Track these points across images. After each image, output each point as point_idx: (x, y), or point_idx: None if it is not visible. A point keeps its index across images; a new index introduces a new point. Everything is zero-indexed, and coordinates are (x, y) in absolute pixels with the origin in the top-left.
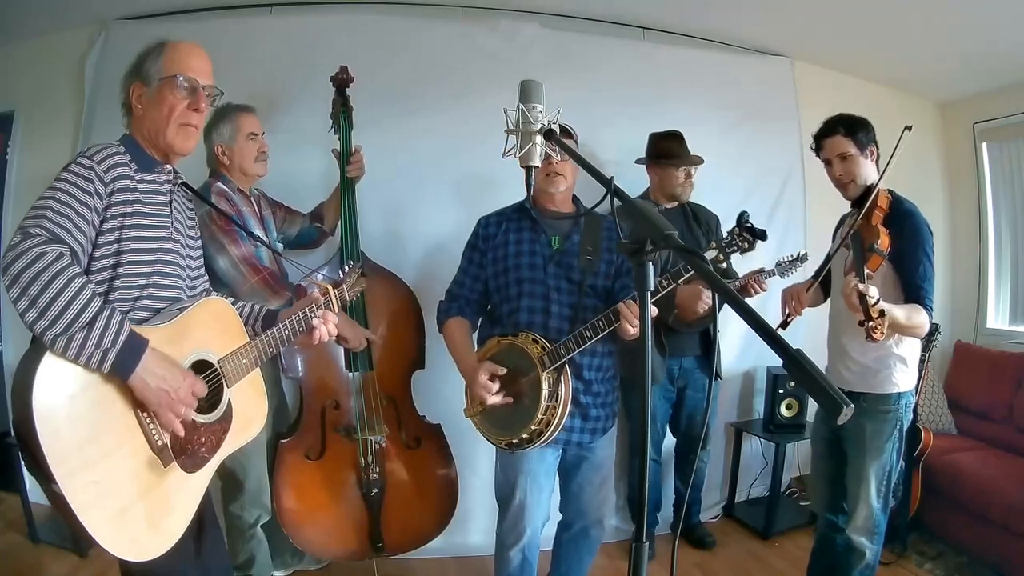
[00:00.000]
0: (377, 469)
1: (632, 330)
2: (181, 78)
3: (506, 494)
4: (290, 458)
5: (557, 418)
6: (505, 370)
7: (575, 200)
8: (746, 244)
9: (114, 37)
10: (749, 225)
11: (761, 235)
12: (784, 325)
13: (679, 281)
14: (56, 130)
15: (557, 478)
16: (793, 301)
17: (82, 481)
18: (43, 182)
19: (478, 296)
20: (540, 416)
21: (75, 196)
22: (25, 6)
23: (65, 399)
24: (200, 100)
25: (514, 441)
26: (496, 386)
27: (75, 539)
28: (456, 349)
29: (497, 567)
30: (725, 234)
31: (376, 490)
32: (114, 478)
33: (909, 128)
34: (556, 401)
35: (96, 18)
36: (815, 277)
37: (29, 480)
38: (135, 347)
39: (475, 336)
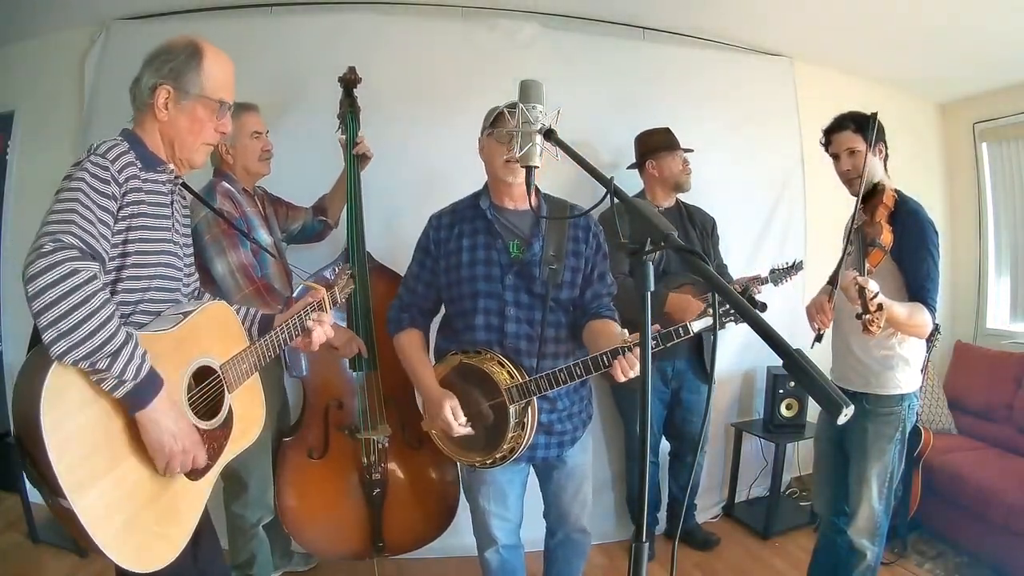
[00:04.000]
0: (379, 469)
1: (622, 378)
2: (223, 105)
3: (471, 502)
4: (293, 457)
5: (523, 443)
6: (466, 419)
7: (537, 192)
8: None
9: (114, 37)
10: (750, 297)
11: (761, 307)
12: (819, 339)
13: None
14: (56, 130)
15: (534, 474)
16: (820, 315)
17: (91, 494)
18: (43, 182)
19: (431, 305)
20: (505, 445)
21: (96, 200)
22: (25, 6)
23: (73, 410)
24: (227, 123)
25: (475, 464)
26: (461, 425)
27: (75, 540)
28: (414, 366)
29: (481, 568)
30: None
31: (378, 490)
32: (121, 489)
33: (875, 114)
34: (522, 430)
35: (96, 18)
36: (830, 283)
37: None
38: (151, 386)
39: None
